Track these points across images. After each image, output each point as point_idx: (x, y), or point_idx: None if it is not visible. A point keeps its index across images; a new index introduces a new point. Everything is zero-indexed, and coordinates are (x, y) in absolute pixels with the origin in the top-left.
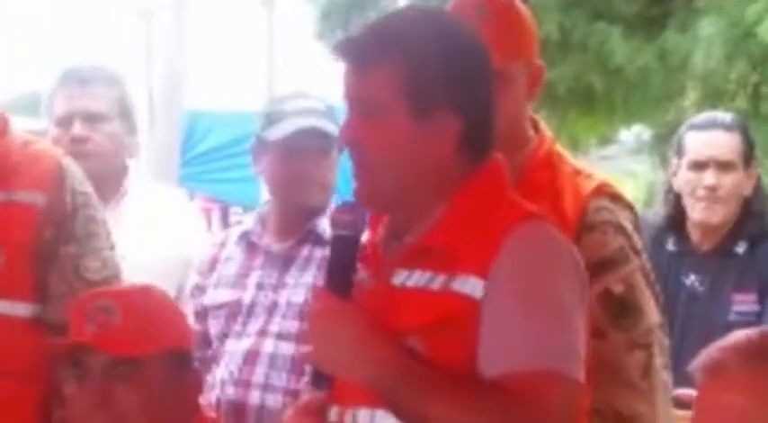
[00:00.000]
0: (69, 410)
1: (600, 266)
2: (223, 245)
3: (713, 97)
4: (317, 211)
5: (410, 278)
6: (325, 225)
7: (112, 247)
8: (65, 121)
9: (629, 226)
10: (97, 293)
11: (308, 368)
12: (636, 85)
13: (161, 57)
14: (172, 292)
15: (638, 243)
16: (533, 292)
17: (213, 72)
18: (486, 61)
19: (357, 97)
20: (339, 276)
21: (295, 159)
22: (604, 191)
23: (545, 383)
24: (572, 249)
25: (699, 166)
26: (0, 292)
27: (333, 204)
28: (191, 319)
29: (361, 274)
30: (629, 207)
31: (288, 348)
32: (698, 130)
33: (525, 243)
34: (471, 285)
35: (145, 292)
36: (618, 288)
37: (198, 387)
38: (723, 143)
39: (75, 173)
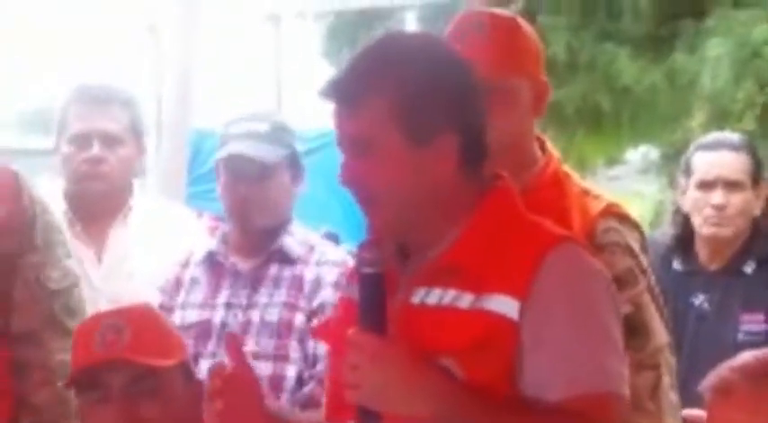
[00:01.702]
0: None
1: None
2: (186, 265)
3: (720, 117)
4: (275, 231)
5: (429, 296)
6: (290, 243)
7: (69, 256)
8: (81, 140)
9: (636, 246)
10: (99, 315)
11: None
12: (643, 105)
13: (169, 75)
14: None
15: (646, 264)
16: (581, 316)
17: (220, 90)
18: (471, 73)
19: (351, 136)
20: (372, 314)
21: (234, 183)
22: (612, 211)
23: (605, 405)
24: (605, 271)
25: (707, 185)
26: None
27: (292, 222)
28: None
29: None
30: (637, 228)
31: (265, 368)
32: (705, 150)
33: (563, 266)
34: (505, 305)
35: (144, 309)
36: (626, 309)
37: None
38: (731, 163)
39: (28, 182)
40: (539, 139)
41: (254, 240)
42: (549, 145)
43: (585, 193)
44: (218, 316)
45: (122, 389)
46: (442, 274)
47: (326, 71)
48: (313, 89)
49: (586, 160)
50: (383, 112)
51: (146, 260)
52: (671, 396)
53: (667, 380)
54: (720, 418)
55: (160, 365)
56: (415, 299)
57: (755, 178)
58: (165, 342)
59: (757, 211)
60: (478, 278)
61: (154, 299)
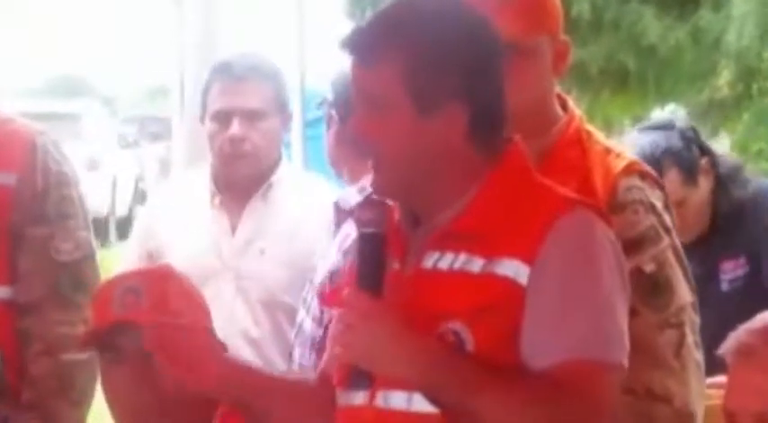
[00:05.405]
0: (107, 395)
1: (631, 245)
2: None
3: (746, 75)
4: None
5: (441, 261)
6: None
7: (88, 228)
8: (222, 117)
9: (659, 204)
10: (117, 278)
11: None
12: (669, 63)
13: (191, 39)
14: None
15: (669, 221)
16: (580, 283)
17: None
18: (494, 46)
19: (363, 91)
20: (370, 274)
21: None
22: (634, 169)
23: (595, 373)
24: (613, 237)
25: None
26: None
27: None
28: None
29: (388, 259)
30: (659, 185)
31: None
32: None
33: (571, 232)
34: (515, 269)
35: (165, 271)
36: (649, 267)
37: None
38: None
39: (51, 152)
40: (560, 98)
41: None
42: (571, 104)
43: (608, 151)
44: None
45: (137, 351)
46: (453, 239)
47: None
48: (337, 51)
49: (612, 120)
50: (394, 72)
51: (281, 239)
52: (695, 355)
53: (691, 338)
54: (741, 380)
55: None
56: (428, 263)
57: (692, 180)
58: (185, 305)
59: (708, 192)
60: (490, 243)
61: (282, 279)
